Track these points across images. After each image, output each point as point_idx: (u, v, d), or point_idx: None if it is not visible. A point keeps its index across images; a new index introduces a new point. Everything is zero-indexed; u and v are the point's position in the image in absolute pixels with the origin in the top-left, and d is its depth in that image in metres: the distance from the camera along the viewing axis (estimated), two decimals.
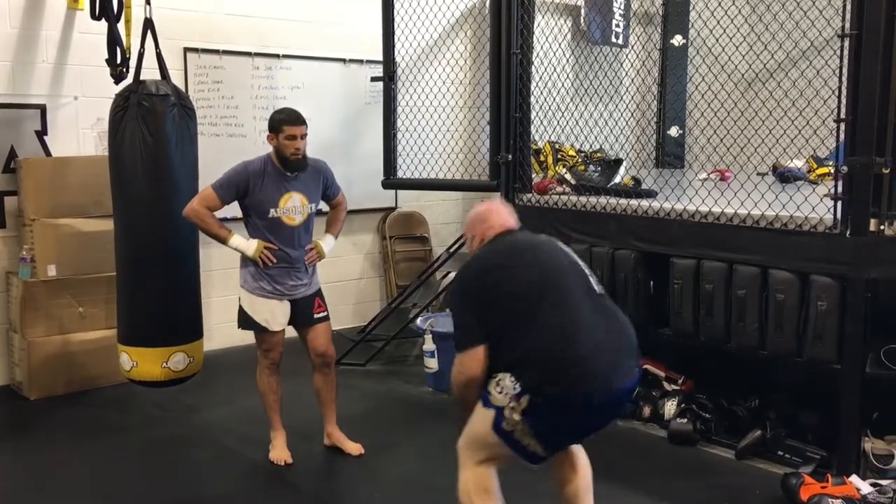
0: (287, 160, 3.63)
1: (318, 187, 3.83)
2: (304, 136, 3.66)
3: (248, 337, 5.81)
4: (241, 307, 3.74)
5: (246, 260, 3.69)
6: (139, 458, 3.92)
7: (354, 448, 3.89)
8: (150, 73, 4.10)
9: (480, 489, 2.58)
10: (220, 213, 3.74)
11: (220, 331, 5.59)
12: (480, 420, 2.56)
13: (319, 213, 3.92)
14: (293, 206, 3.69)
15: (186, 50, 5.38)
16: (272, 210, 3.64)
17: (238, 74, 5.62)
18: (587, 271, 2.71)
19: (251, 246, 3.64)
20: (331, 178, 3.93)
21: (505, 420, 2.47)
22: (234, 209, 3.79)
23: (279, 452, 3.81)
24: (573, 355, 2.45)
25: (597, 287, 2.67)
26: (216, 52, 5.51)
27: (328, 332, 3.89)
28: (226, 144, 5.58)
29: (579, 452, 2.81)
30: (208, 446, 4.05)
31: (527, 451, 2.51)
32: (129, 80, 4.10)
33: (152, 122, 3.90)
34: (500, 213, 2.88)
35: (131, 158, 3.90)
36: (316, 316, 3.83)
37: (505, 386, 2.47)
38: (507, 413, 2.46)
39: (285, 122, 3.62)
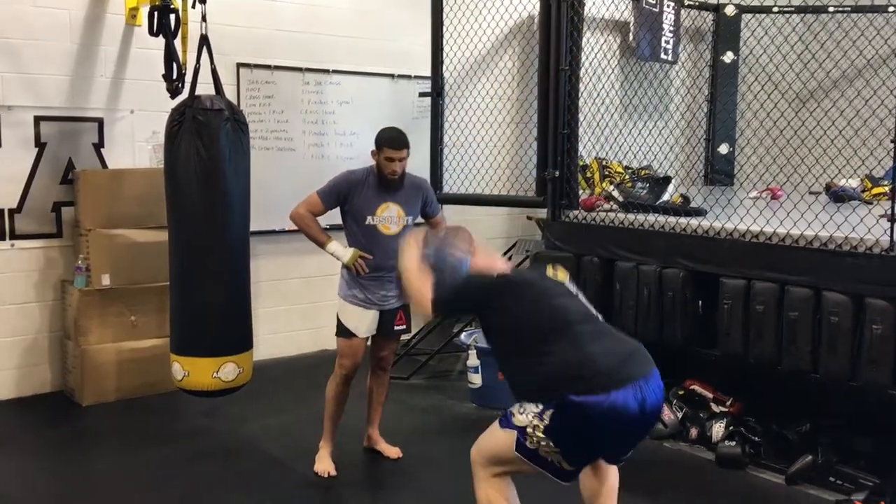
0: (384, 178, 3.74)
1: (417, 203, 3.91)
2: (402, 160, 3.75)
3: (295, 348, 5.93)
4: (337, 314, 3.89)
5: (342, 268, 3.84)
6: (186, 467, 3.97)
7: (393, 452, 4.02)
8: (205, 88, 4.17)
9: (502, 500, 2.63)
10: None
11: (267, 341, 5.67)
12: (502, 441, 2.57)
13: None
14: (389, 216, 3.79)
15: (239, 65, 5.48)
16: (369, 217, 3.77)
17: (289, 89, 5.70)
18: (584, 300, 2.84)
19: (347, 253, 3.77)
20: (430, 197, 4.01)
21: (528, 438, 2.48)
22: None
23: (325, 464, 3.86)
24: (595, 366, 2.48)
25: (595, 313, 2.79)
26: (268, 67, 5.60)
27: (398, 342, 4.16)
28: (276, 158, 5.67)
29: (609, 469, 2.79)
30: (254, 457, 4.09)
31: (554, 468, 2.52)
32: (185, 94, 4.17)
33: (207, 136, 3.95)
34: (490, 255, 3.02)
35: (186, 171, 3.95)
36: (396, 328, 3.96)
37: (527, 407, 2.50)
38: (531, 431, 2.48)
39: (386, 144, 3.74)
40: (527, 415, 2.49)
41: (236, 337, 4.07)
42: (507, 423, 2.56)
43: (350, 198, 3.77)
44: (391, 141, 3.74)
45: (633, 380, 2.46)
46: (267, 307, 5.73)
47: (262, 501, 3.64)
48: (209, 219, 3.96)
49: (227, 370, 4.01)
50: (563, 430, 2.45)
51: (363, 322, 3.84)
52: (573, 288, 2.86)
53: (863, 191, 5.27)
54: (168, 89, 4.29)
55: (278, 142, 5.70)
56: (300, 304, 5.93)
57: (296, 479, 3.84)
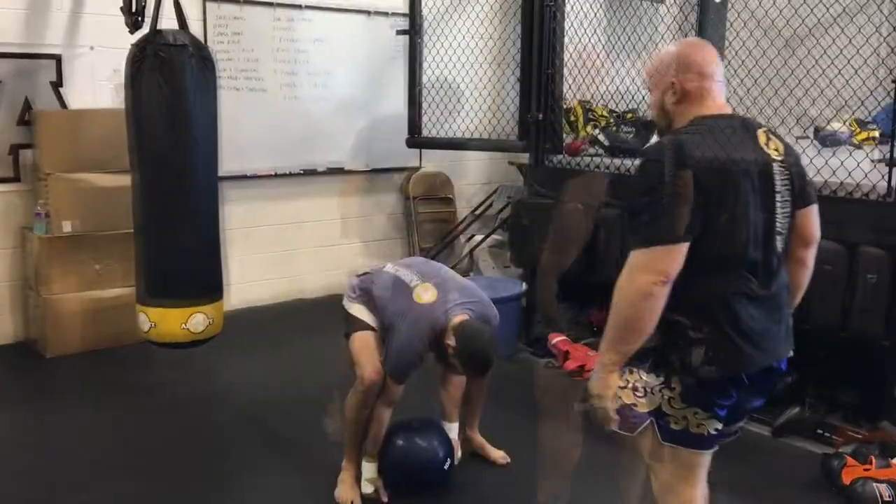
0: (442, 356, 3.09)
1: None
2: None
3: (270, 296, 5.78)
4: (344, 311, 3.35)
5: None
6: (153, 421, 3.83)
7: (499, 456, 3.45)
8: (169, 23, 3.93)
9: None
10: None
11: (240, 290, 5.50)
12: (642, 446, 2.11)
13: None
14: None
15: None
16: None
17: (258, 26, 5.43)
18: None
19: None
20: None
21: (671, 418, 2.05)
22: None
23: (347, 491, 3.12)
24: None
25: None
26: (237, 1, 5.31)
27: None
28: (246, 98, 5.43)
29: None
30: (225, 410, 3.96)
31: (703, 438, 2.08)
32: (146, 29, 3.92)
33: (170, 74, 3.73)
34: (715, 78, 2.08)
35: (148, 111, 3.74)
36: None
37: (645, 381, 2.06)
38: (667, 408, 2.04)
39: (470, 368, 3.02)
40: (650, 392, 2.05)
41: (205, 286, 3.91)
42: (631, 418, 2.08)
43: None
44: (477, 366, 3.00)
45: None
46: (239, 255, 5.54)
47: (231, 456, 3.51)
48: (174, 161, 3.76)
49: (197, 321, 3.85)
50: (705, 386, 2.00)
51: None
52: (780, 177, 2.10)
53: (851, 135, 5.15)
54: (127, 23, 4.04)
55: (248, 81, 5.44)
56: (274, 252, 5.75)
57: (267, 433, 3.72)
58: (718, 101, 2.08)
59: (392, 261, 3.37)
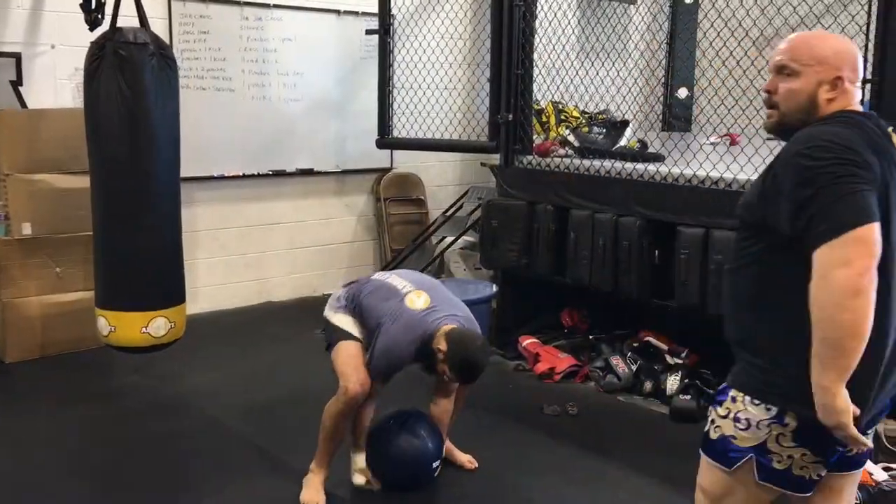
0: (432, 368, 3.05)
1: None
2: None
3: (237, 300, 5.69)
4: (326, 322, 3.29)
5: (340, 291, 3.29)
6: (114, 427, 3.74)
7: (466, 459, 3.39)
8: (130, 21, 3.84)
9: None
10: None
11: (206, 294, 5.42)
12: (731, 486, 1.90)
13: None
14: None
15: None
16: None
17: (226, 25, 5.34)
18: None
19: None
20: None
21: (774, 456, 1.82)
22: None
23: (312, 494, 3.06)
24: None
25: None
26: None
27: None
28: (214, 99, 5.35)
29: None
30: (188, 416, 3.88)
31: (803, 482, 1.86)
32: (106, 27, 3.84)
33: (130, 73, 3.64)
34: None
35: (107, 111, 3.65)
36: None
37: (751, 413, 1.83)
38: (773, 446, 1.81)
39: (459, 375, 2.98)
40: (755, 426, 1.83)
41: (166, 290, 3.82)
42: (725, 452, 1.88)
43: None
44: (467, 371, 2.96)
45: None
46: (206, 258, 5.46)
47: (195, 462, 3.43)
48: (134, 162, 3.67)
49: (157, 325, 3.76)
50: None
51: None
52: None
53: None
54: (86, 20, 3.94)
55: (215, 81, 5.35)
56: (242, 255, 5.67)
57: (231, 438, 3.64)
58: (856, 101, 1.89)
59: (379, 272, 3.34)
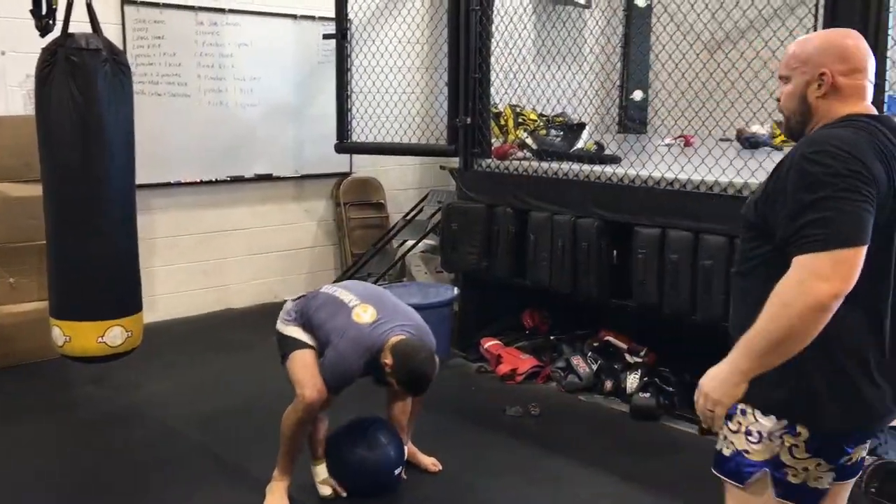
0: (382, 379, 3.06)
1: None
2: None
3: (196, 308, 5.63)
4: (278, 334, 3.29)
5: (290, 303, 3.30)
6: (70, 439, 3.69)
7: (430, 462, 3.41)
8: (83, 27, 3.78)
9: None
10: None
11: (165, 301, 5.35)
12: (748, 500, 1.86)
13: None
14: None
15: (124, 2, 5.03)
16: None
17: (181, 30, 5.28)
18: None
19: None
20: None
21: (789, 469, 1.79)
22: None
23: (278, 502, 3.07)
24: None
25: None
26: (156, 4, 5.16)
27: None
28: (169, 105, 5.29)
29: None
30: (145, 426, 3.83)
31: (818, 494, 1.84)
32: (58, 33, 3.77)
33: (82, 79, 3.57)
34: (868, 76, 1.85)
35: (59, 118, 3.58)
36: None
37: (762, 425, 1.80)
38: (787, 458, 1.78)
39: (407, 387, 3.00)
40: (767, 438, 1.79)
41: (122, 298, 3.75)
42: (739, 469, 1.83)
43: None
44: (413, 385, 2.98)
45: None
46: (164, 265, 5.39)
47: (155, 472, 3.38)
48: (86, 169, 3.60)
49: (114, 334, 3.70)
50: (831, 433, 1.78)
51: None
52: None
53: (772, 137, 5.27)
54: (37, 26, 3.85)
55: (171, 87, 5.29)
56: (201, 262, 5.61)
57: (191, 447, 3.60)
58: (867, 101, 1.83)
59: (327, 284, 3.33)
